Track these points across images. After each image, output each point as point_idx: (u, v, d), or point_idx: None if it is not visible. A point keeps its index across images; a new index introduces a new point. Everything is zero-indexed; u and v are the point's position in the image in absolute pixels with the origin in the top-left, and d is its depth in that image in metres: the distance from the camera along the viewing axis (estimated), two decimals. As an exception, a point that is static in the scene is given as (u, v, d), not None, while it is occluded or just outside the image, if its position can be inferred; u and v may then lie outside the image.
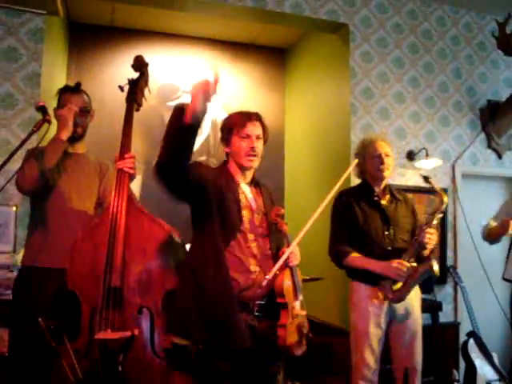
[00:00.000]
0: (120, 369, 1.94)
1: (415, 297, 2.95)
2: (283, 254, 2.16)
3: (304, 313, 2.25)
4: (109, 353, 1.96)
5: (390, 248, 2.83)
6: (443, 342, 3.05)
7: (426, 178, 2.87)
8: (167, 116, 4.52)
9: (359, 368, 2.86)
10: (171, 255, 2.21)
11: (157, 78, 4.68)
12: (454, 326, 4.00)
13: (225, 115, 4.63)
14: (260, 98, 5.02)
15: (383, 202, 2.94)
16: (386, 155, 2.90)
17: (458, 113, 4.35)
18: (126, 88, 2.51)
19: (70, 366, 1.90)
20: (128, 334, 1.98)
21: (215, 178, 2.16)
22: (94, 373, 1.95)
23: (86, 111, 2.53)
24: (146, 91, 2.55)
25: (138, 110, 2.50)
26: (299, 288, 2.24)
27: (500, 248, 4.56)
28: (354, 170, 2.94)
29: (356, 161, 2.78)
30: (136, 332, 1.99)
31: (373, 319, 2.83)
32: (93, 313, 2.10)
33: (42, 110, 2.35)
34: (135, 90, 2.48)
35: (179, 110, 1.89)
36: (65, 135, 2.36)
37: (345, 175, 2.42)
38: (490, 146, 4.45)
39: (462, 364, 3.73)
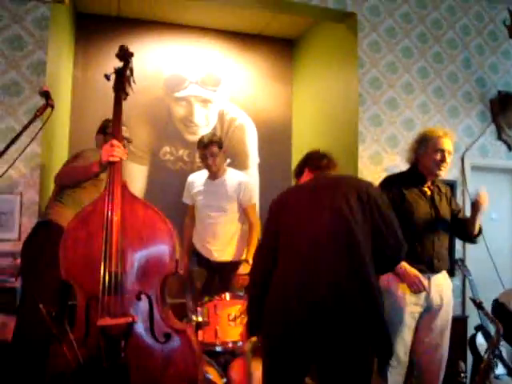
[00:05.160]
0: (122, 355, 1.96)
1: (447, 284, 2.92)
2: None
3: None
4: (111, 339, 1.97)
5: (436, 238, 2.83)
6: (451, 335, 3.00)
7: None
8: (174, 107, 4.65)
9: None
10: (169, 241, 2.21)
11: (163, 69, 4.67)
12: (463, 320, 3.95)
13: (232, 107, 4.74)
14: (267, 89, 4.98)
15: (431, 193, 2.92)
16: (449, 153, 2.86)
17: (467, 104, 4.29)
18: (113, 77, 2.56)
19: (70, 352, 1.89)
20: (129, 319, 2.00)
21: None
22: (96, 360, 1.95)
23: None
24: (131, 81, 2.61)
25: (125, 99, 2.54)
26: None
27: (509, 242, 4.52)
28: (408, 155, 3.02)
29: None
30: (136, 318, 2.02)
31: (409, 308, 2.77)
32: (88, 302, 2.09)
33: (46, 94, 2.35)
34: (122, 79, 2.52)
35: None
36: (97, 170, 2.43)
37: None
38: (500, 138, 4.38)
39: (470, 357, 3.69)
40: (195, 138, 4.68)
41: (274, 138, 4.95)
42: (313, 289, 2.06)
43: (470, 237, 3.01)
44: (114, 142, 2.33)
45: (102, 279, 2.07)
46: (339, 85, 4.26)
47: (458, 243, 4.10)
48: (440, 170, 2.86)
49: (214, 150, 3.63)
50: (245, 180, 3.85)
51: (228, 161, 4.78)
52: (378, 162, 3.94)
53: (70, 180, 2.61)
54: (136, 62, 4.39)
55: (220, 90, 4.81)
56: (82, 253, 2.16)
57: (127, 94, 2.54)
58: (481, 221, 2.90)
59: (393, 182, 2.91)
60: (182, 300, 3.63)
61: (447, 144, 2.86)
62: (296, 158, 4.92)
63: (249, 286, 2.37)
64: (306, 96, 4.86)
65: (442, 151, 2.84)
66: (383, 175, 3.71)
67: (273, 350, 2.16)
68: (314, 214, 2.19)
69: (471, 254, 4.16)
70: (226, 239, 3.73)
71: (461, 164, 4.21)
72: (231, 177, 3.80)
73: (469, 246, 4.16)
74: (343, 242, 2.11)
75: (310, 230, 2.16)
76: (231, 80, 4.86)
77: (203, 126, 4.73)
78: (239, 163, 4.82)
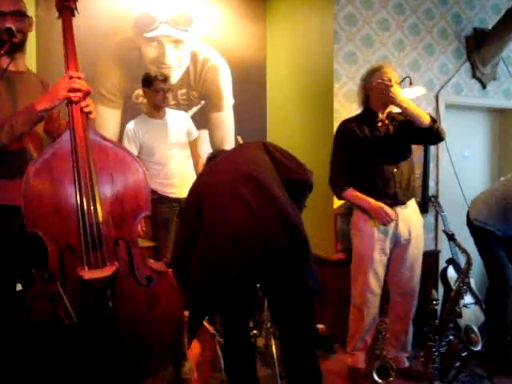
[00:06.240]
0: (111, 305, 1.91)
1: (416, 218, 3.00)
2: None
3: None
4: (96, 291, 1.89)
5: (395, 170, 2.91)
6: (424, 268, 3.11)
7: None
8: (145, 47, 4.49)
9: (363, 294, 2.90)
10: (143, 181, 2.10)
11: (133, 8, 4.47)
12: (435, 254, 4.08)
13: (205, 47, 4.61)
14: (241, 28, 4.84)
15: (385, 126, 3.00)
16: (395, 81, 2.93)
17: (443, 41, 4.24)
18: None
19: (63, 310, 1.79)
20: (114, 268, 1.94)
21: None
22: (84, 314, 1.87)
23: (21, 14, 2.21)
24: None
25: (73, 15, 2.25)
26: None
27: (481, 179, 4.63)
28: (358, 97, 3.18)
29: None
30: (116, 266, 1.96)
31: (378, 244, 2.86)
32: (62, 253, 1.95)
33: (9, 32, 2.21)
34: None
35: None
36: (43, 108, 2.04)
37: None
38: (474, 76, 4.38)
39: (441, 290, 3.84)
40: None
41: (249, 79, 4.86)
42: (244, 237, 2.09)
43: (426, 130, 2.87)
44: (73, 72, 2.01)
45: (82, 234, 1.92)
46: (314, 22, 4.15)
47: (432, 180, 4.18)
48: (388, 94, 2.87)
49: (168, 86, 3.74)
50: (184, 114, 4.06)
51: (202, 102, 4.71)
52: (354, 100, 3.88)
53: (10, 138, 2.04)
54: (104, 1, 4.22)
55: (192, 30, 4.66)
56: (49, 201, 1.96)
57: (74, 15, 2.23)
58: (415, 109, 2.90)
59: (346, 126, 3.03)
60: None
61: (390, 72, 2.99)
62: (271, 97, 4.86)
63: (172, 250, 2.46)
64: (280, 35, 4.74)
65: (389, 79, 2.92)
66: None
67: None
68: (230, 178, 2.24)
69: (444, 191, 4.25)
70: (186, 174, 3.82)
71: (435, 102, 4.22)
72: (172, 113, 3.90)
73: (442, 183, 4.23)
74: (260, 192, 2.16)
75: (232, 189, 2.20)
76: (203, 19, 4.70)
77: (176, 67, 4.60)
78: (213, 105, 4.74)
